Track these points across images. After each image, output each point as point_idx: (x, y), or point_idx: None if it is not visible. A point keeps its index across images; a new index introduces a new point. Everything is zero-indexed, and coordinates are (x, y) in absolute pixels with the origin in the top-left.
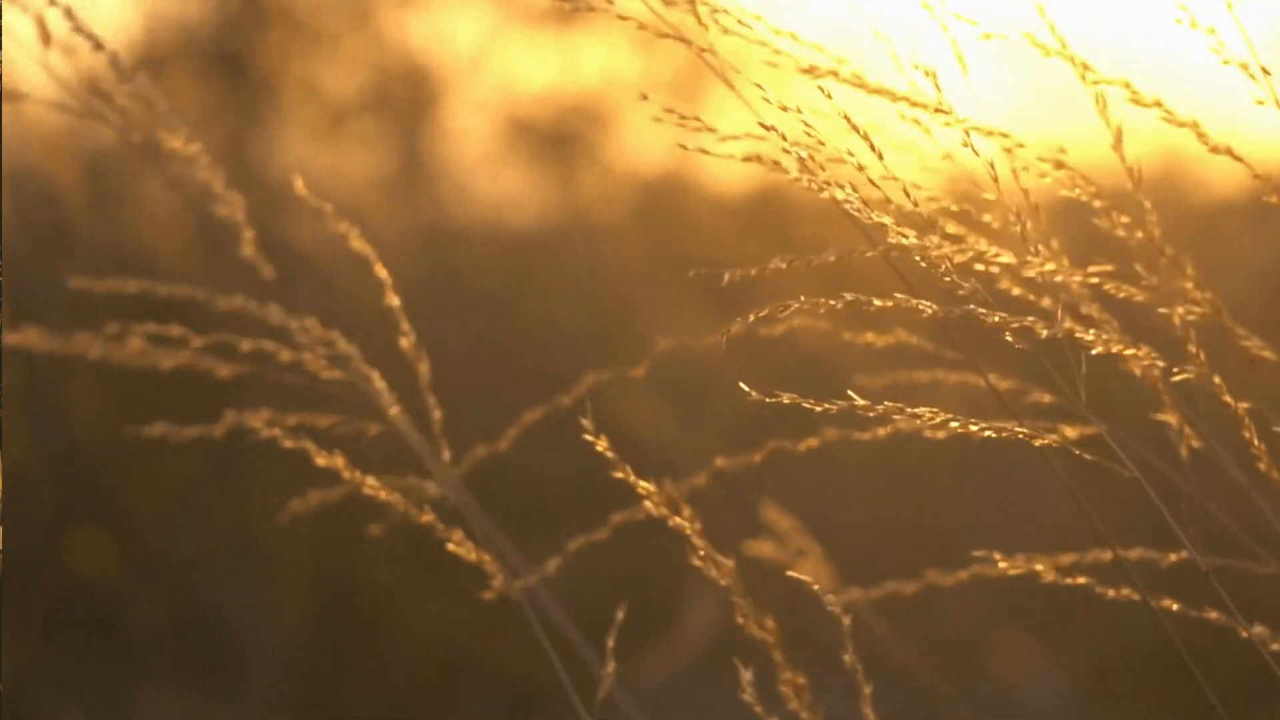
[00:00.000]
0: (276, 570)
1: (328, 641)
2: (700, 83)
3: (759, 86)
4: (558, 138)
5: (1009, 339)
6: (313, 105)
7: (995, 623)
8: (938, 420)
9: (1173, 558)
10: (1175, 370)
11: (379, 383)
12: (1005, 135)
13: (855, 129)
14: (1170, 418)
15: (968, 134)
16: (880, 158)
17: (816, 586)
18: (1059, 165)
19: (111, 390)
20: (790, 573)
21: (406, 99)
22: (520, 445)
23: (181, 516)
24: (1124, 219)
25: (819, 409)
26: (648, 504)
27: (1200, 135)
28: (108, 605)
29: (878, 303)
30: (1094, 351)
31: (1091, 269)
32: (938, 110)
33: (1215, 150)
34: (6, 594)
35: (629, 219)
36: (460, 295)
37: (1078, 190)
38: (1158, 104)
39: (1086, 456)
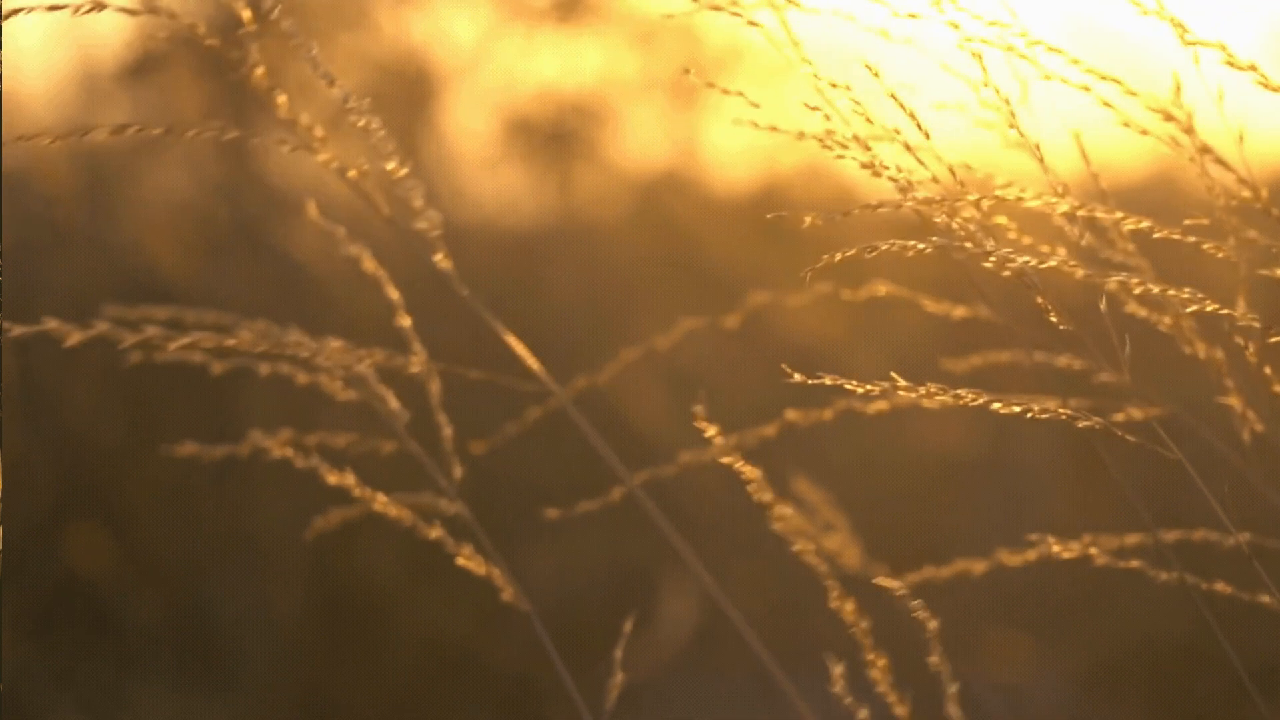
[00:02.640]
0: (273, 567)
1: (325, 639)
2: (700, 80)
3: (809, 64)
4: (557, 136)
5: (1052, 315)
6: (310, 105)
7: (992, 621)
8: (969, 399)
9: (1233, 542)
10: (1223, 310)
11: (394, 403)
12: (1119, 81)
13: (902, 107)
14: (1234, 401)
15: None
16: (927, 137)
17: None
18: (1168, 118)
19: (111, 388)
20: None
21: (404, 98)
22: (517, 441)
23: (178, 513)
24: (1228, 177)
25: (860, 390)
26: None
27: None
28: (105, 602)
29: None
30: (1135, 291)
31: (1186, 223)
32: (1031, 42)
33: None
34: (3, 590)
35: (628, 218)
36: (458, 294)
37: (1185, 151)
38: (1253, 68)
39: (1129, 438)
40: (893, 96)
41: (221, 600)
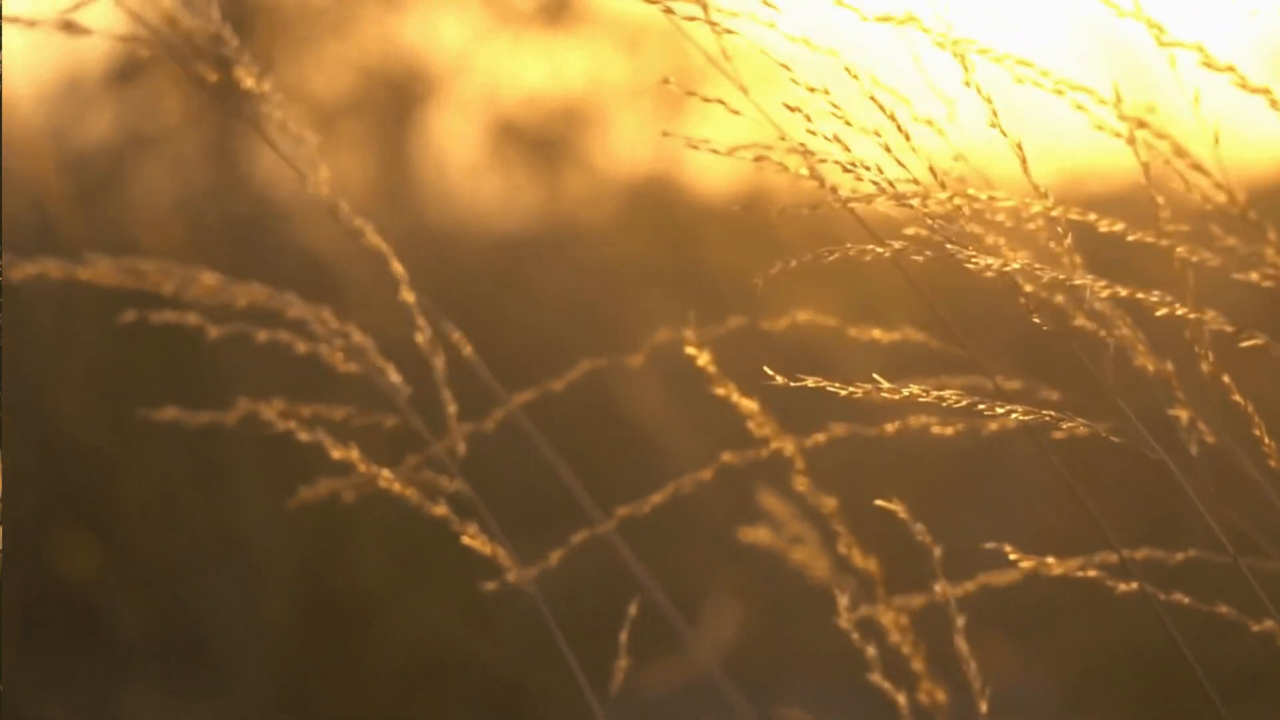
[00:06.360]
0: (261, 571)
1: (313, 642)
2: (689, 86)
3: (786, 68)
4: (544, 141)
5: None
6: (299, 108)
7: (978, 627)
8: (953, 400)
9: (1180, 556)
10: (1245, 335)
11: (395, 376)
12: (1090, 92)
13: (882, 109)
14: (1182, 413)
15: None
16: (907, 138)
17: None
18: (1141, 124)
19: (99, 389)
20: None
21: (393, 102)
22: (509, 444)
23: (165, 517)
24: (1204, 181)
25: (843, 392)
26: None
27: (1274, 103)
28: (92, 606)
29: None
30: (1158, 314)
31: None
32: (1020, 63)
33: None
34: None
35: (616, 222)
36: (446, 299)
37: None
38: (1230, 69)
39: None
40: (872, 98)
41: (209, 603)
